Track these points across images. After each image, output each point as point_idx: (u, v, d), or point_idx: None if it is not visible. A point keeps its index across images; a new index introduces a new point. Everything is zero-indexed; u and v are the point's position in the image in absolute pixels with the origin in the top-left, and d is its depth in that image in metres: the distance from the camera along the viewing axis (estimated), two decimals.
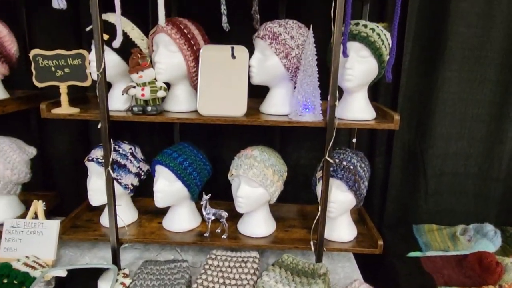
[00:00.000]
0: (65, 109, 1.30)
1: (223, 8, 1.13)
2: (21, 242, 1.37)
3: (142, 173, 1.50)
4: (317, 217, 1.33)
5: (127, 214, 1.50)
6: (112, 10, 1.15)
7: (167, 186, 1.37)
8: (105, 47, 1.20)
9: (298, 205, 1.71)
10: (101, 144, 1.30)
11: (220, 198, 1.53)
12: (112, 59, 1.26)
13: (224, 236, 1.43)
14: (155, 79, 1.26)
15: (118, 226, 1.37)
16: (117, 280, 1.28)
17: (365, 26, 1.24)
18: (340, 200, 1.35)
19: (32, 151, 1.54)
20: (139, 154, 1.51)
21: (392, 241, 1.60)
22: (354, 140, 1.63)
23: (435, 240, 1.62)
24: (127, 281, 1.29)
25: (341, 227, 1.44)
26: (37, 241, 1.37)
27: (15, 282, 1.22)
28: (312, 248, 1.38)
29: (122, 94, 1.26)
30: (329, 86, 1.19)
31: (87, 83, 1.30)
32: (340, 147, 1.43)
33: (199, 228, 1.50)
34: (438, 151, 1.70)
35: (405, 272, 1.43)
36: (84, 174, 1.46)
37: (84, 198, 1.52)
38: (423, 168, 1.72)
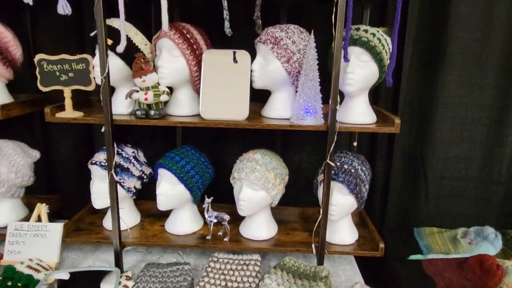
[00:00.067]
0: (69, 113, 1.32)
1: (225, 13, 1.14)
2: (24, 245, 1.38)
3: (145, 177, 1.51)
4: (318, 220, 1.33)
5: (129, 217, 1.51)
6: (116, 15, 1.16)
7: (170, 189, 1.38)
8: (109, 52, 1.21)
9: (300, 208, 1.72)
10: (104, 147, 1.31)
11: (222, 201, 1.54)
12: (115, 64, 1.27)
13: (226, 239, 1.44)
14: (158, 83, 1.27)
15: (121, 229, 1.38)
16: (120, 283, 1.29)
17: (366, 31, 1.26)
18: (342, 203, 1.36)
19: (35, 154, 1.55)
20: (142, 158, 1.52)
21: (393, 244, 1.60)
22: (355, 144, 1.64)
23: (436, 243, 1.62)
24: (130, 283, 1.30)
25: (342, 230, 1.45)
26: (40, 244, 1.38)
27: (19, 284, 1.23)
28: (314, 251, 1.39)
29: (126, 98, 1.28)
30: (330, 90, 1.21)
31: (91, 88, 1.32)
32: (341, 151, 1.44)
33: (201, 231, 1.51)
34: (439, 154, 1.71)
35: (406, 275, 1.44)
36: (87, 177, 1.47)
37: (87, 201, 1.53)
38: (423, 171, 1.73)
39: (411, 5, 1.56)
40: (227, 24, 1.15)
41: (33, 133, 1.73)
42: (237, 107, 1.26)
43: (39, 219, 1.44)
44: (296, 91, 1.28)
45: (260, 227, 1.46)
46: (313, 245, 1.39)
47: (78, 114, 1.32)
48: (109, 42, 1.21)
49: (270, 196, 1.37)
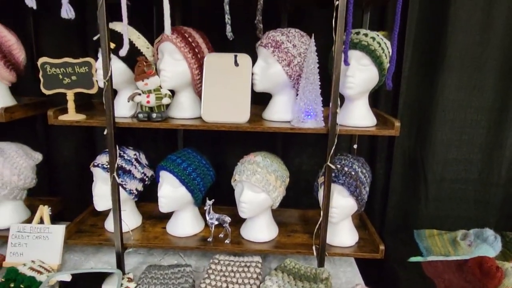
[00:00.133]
0: (72, 115, 1.33)
1: (227, 17, 1.15)
2: (27, 247, 1.39)
3: (146, 179, 1.52)
4: (319, 222, 1.34)
5: (131, 219, 1.52)
6: (118, 19, 1.18)
7: (171, 192, 1.39)
8: (112, 55, 1.23)
9: (300, 210, 1.73)
10: (107, 150, 1.32)
11: (223, 203, 1.55)
12: (118, 67, 1.29)
13: (227, 241, 1.44)
14: (160, 86, 1.29)
15: (123, 231, 1.39)
16: (121, 285, 1.29)
17: (366, 35, 1.27)
18: (342, 205, 1.36)
19: (38, 156, 1.56)
20: (144, 160, 1.53)
21: (393, 246, 1.61)
22: (355, 146, 1.65)
23: (435, 245, 1.63)
24: (132, 285, 1.30)
25: (342, 232, 1.46)
26: (42, 246, 1.39)
27: (21, 286, 1.24)
28: (314, 253, 1.39)
29: (128, 101, 1.29)
30: (330, 93, 1.22)
31: (93, 91, 1.33)
32: (341, 153, 1.45)
33: (203, 233, 1.52)
34: (438, 157, 1.72)
35: (406, 276, 1.45)
36: (89, 180, 1.48)
37: (89, 203, 1.54)
38: (423, 174, 1.74)
39: (411, 9, 1.57)
40: (228, 28, 1.16)
41: (36, 135, 1.74)
42: (238, 110, 1.28)
43: (41, 221, 1.45)
44: (297, 94, 1.29)
45: (261, 229, 1.47)
46: (313, 247, 1.40)
47: (81, 117, 1.33)
48: (112, 45, 1.23)
49: (271, 198, 1.38)
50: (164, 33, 1.17)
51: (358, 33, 1.28)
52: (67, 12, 1.14)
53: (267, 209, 1.46)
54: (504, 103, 1.66)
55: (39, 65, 1.30)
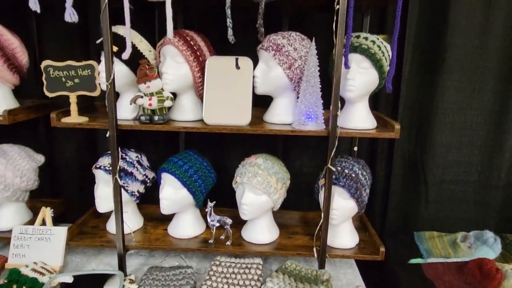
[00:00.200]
0: (75, 118, 1.34)
1: (228, 21, 1.16)
2: (29, 248, 1.39)
3: (148, 181, 1.53)
4: (319, 224, 1.35)
5: (133, 221, 1.53)
6: (121, 22, 1.19)
7: (173, 194, 1.40)
8: (114, 58, 1.24)
9: (301, 212, 1.73)
10: (109, 152, 1.33)
11: (225, 205, 1.56)
12: (120, 70, 1.30)
13: (228, 243, 1.45)
14: (162, 89, 1.30)
15: (125, 232, 1.39)
16: (123, 286, 1.29)
17: (366, 38, 1.28)
18: (342, 207, 1.37)
19: (40, 158, 1.57)
20: (145, 162, 1.54)
21: (393, 248, 1.62)
22: (355, 149, 1.66)
23: (436, 247, 1.64)
24: (133, 287, 1.31)
25: (343, 234, 1.46)
26: (45, 247, 1.40)
27: (24, 287, 1.24)
28: (315, 255, 1.40)
29: (130, 104, 1.29)
30: (331, 96, 1.23)
31: (96, 93, 1.34)
32: (342, 155, 1.46)
33: (204, 234, 1.52)
34: (438, 159, 1.72)
35: (407, 278, 1.45)
36: (91, 182, 1.49)
37: (91, 205, 1.55)
38: (423, 176, 1.75)
39: (410, 12, 1.58)
40: (230, 31, 1.17)
41: (38, 137, 1.75)
42: (239, 113, 1.28)
43: (43, 223, 1.46)
44: (298, 97, 1.29)
45: (262, 231, 1.47)
46: (314, 249, 1.41)
47: (83, 119, 1.34)
48: (115, 49, 1.24)
49: (272, 200, 1.38)
50: (166, 36, 1.18)
51: (358, 37, 1.30)
52: (70, 16, 1.15)
53: (268, 211, 1.46)
54: (503, 105, 1.67)
55: (42, 68, 1.31)
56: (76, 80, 1.33)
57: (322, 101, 1.26)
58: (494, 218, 1.79)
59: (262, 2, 1.15)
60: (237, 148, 1.74)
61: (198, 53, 1.33)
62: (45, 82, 1.32)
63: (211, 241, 1.46)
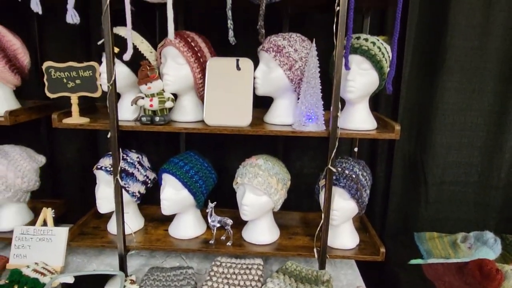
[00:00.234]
0: (76, 119, 1.34)
1: (229, 23, 1.17)
2: (30, 249, 1.40)
3: (149, 181, 1.53)
4: (320, 225, 1.35)
5: (133, 221, 1.53)
6: (122, 24, 1.19)
7: (174, 194, 1.40)
8: (115, 59, 1.24)
9: (301, 213, 1.74)
10: (110, 153, 1.34)
11: (225, 206, 1.56)
12: (121, 71, 1.30)
13: (229, 243, 1.45)
14: (163, 90, 1.30)
15: (125, 233, 1.39)
16: (124, 287, 1.30)
17: (366, 39, 1.29)
18: (343, 208, 1.37)
19: (41, 159, 1.57)
20: (146, 163, 1.54)
21: (393, 249, 1.62)
22: (356, 150, 1.66)
23: (436, 247, 1.64)
24: (134, 287, 1.31)
25: (343, 235, 1.47)
26: (46, 248, 1.40)
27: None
28: (316, 255, 1.40)
29: (131, 105, 1.30)
30: (331, 97, 1.23)
31: (97, 94, 1.35)
32: (342, 156, 1.46)
33: (205, 235, 1.53)
34: (438, 160, 1.73)
35: (407, 279, 1.46)
36: (92, 182, 1.49)
37: (92, 205, 1.55)
38: (423, 177, 1.75)
39: (411, 14, 1.59)
40: (231, 33, 1.18)
41: (39, 138, 1.76)
42: (240, 114, 1.29)
43: (44, 223, 1.46)
44: (298, 98, 1.30)
45: (262, 231, 1.48)
46: (314, 250, 1.41)
47: (85, 120, 1.35)
48: (116, 50, 1.24)
49: (273, 201, 1.39)
50: (167, 37, 1.18)
51: (358, 38, 1.30)
52: (72, 17, 1.15)
53: (269, 211, 1.47)
54: (503, 106, 1.68)
55: (43, 69, 1.31)
56: (78, 81, 1.33)
57: (322, 102, 1.26)
58: (494, 218, 1.79)
59: (262, 4, 1.15)
60: (238, 149, 1.75)
61: (199, 54, 1.33)
62: (46, 83, 1.33)
63: (211, 241, 1.47)
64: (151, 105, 1.28)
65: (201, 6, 1.61)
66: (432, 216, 1.78)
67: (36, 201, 1.66)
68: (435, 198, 1.77)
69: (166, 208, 1.42)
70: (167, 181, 1.41)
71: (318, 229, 1.36)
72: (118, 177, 1.31)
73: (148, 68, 1.26)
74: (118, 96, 1.32)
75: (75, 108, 1.35)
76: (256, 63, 1.33)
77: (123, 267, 1.40)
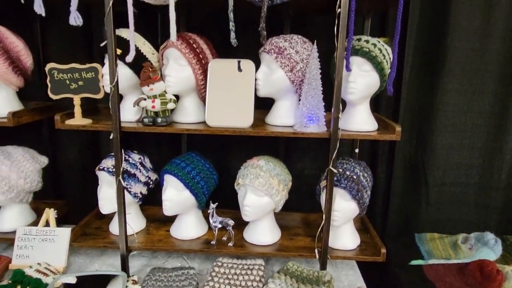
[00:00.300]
0: (79, 120, 1.35)
1: (231, 25, 1.17)
2: (33, 249, 1.40)
3: (151, 182, 1.54)
4: (321, 226, 1.36)
5: (135, 222, 1.53)
6: (124, 26, 1.20)
7: (176, 195, 1.41)
8: (118, 61, 1.25)
9: (302, 213, 1.74)
10: (112, 154, 1.34)
11: (227, 206, 1.56)
12: (124, 73, 1.31)
13: (230, 244, 1.46)
14: (165, 91, 1.31)
15: (127, 234, 1.40)
16: (126, 287, 1.30)
17: (367, 41, 1.29)
18: (344, 208, 1.38)
19: (44, 160, 1.58)
20: (148, 164, 1.55)
21: (394, 250, 1.62)
22: (356, 151, 1.66)
23: (436, 248, 1.64)
24: (136, 287, 1.32)
25: (344, 236, 1.47)
26: (48, 248, 1.41)
27: None
28: (317, 256, 1.40)
29: (134, 106, 1.31)
30: (332, 98, 1.23)
31: (99, 96, 1.35)
32: (343, 157, 1.47)
33: (206, 236, 1.53)
34: (439, 161, 1.73)
35: (408, 280, 1.46)
36: (94, 183, 1.50)
37: (94, 206, 1.56)
38: (424, 178, 1.76)
39: (411, 15, 1.59)
40: (233, 35, 1.18)
41: (42, 139, 1.76)
42: (241, 115, 1.29)
43: (47, 224, 1.47)
44: (299, 99, 1.31)
45: (263, 232, 1.48)
46: (316, 250, 1.41)
47: (87, 121, 1.35)
48: (118, 51, 1.25)
49: (274, 202, 1.39)
50: (170, 39, 1.19)
51: (359, 40, 1.30)
52: (75, 19, 1.16)
53: (270, 212, 1.47)
54: (504, 107, 1.68)
55: (46, 71, 1.32)
56: (80, 83, 1.34)
57: (323, 104, 1.27)
58: (494, 219, 1.80)
59: (264, 5, 1.16)
60: (239, 150, 1.75)
61: (200, 56, 1.34)
62: (49, 85, 1.34)
63: (213, 242, 1.47)
64: (153, 107, 1.29)
65: (202, 7, 1.62)
66: (432, 217, 1.79)
67: (38, 202, 1.67)
68: (436, 199, 1.77)
69: (168, 209, 1.43)
70: (169, 182, 1.42)
71: (319, 230, 1.37)
72: (120, 178, 1.32)
73: (150, 69, 1.26)
74: (120, 97, 1.33)
75: (77, 110, 1.35)
76: (257, 65, 1.33)
77: (125, 267, 1.40)
